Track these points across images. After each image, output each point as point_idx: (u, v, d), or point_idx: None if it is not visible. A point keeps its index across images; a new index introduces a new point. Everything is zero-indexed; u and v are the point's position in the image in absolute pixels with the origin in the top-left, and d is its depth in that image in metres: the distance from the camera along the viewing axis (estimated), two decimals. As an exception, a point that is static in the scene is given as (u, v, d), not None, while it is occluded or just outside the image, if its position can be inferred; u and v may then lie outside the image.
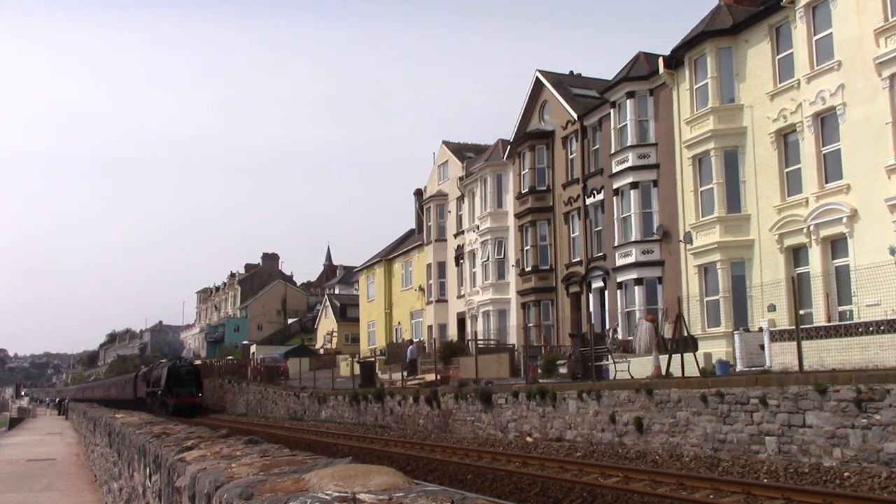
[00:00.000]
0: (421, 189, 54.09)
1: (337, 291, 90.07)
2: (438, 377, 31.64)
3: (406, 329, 53.30)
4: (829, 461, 13.54)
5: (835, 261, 23.01)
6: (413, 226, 58.81)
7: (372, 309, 60.09)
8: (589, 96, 35.97)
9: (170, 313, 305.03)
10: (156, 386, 52.76)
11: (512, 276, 39.36)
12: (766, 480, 12.86)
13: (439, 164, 50.20)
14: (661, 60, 29.67)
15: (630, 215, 31.14)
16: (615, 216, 32.00)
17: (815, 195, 23.42)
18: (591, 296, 34.04)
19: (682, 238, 28.33)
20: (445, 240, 47.41)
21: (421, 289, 50.56)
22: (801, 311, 20.11)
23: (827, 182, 23.24)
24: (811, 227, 23.37)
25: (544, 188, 37.40)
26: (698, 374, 19.42)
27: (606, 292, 32.94)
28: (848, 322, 20.02)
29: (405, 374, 34.41)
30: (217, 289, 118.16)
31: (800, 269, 23.98)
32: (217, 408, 56.19)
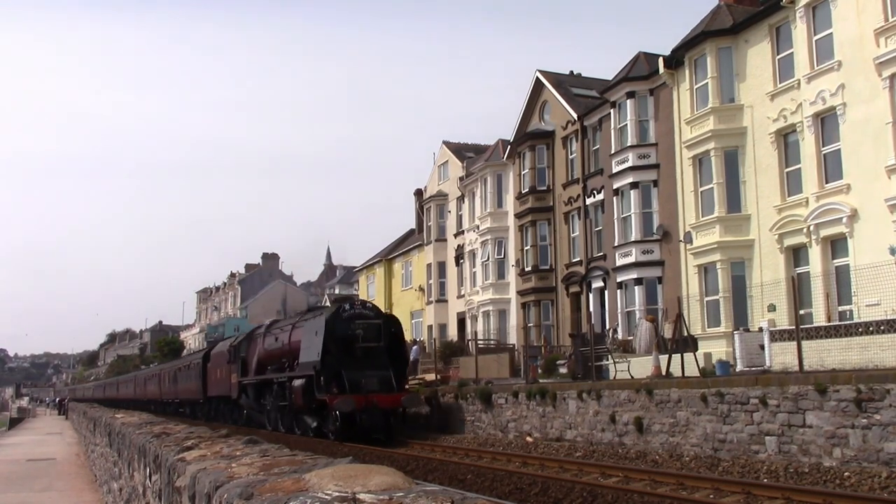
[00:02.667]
0: (421, 189, 54.06)
1: (337, 291, 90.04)
2: (438, 377, 31.63)
3: (406, 329, 53.25)
4: (829, 461, 13.54)
5: (835, 261, 23.00)
6: (413, 226, 58.78)
7: (372, 309, 60.01)
8: (589, 96, 35.96)
9: (170, 313, 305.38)
10: (281, 365, 26.30)
11: (512, 276, 39.35)
12: (766, 480, 12.86)
13: (439, 164, 50.19)
14: (661, 60, 29.66)
15: (630, 215, 31.13)
16: (615, 216, 32.00)
17: (815, 195, 23.42)
18: (591, 296, 34.03)
19: (682, 238, 28.32)
20: (445, 240, 47.41)
21: (421, 289, 50.55)
22: (801, 311, 20.10)
23: (827, 182, 23.24)
24: (811, 227, 23.37)
25: (544, 188, 37.40)
26: (698, 374, 19.41)
27: (606, 292, 32.93)
28: (848, 322, 20.02)
29: (406, 373, 34.16)
30: (217, 289, 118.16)
31: (800, 269, 23.98)
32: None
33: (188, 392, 39.86)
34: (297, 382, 23.88)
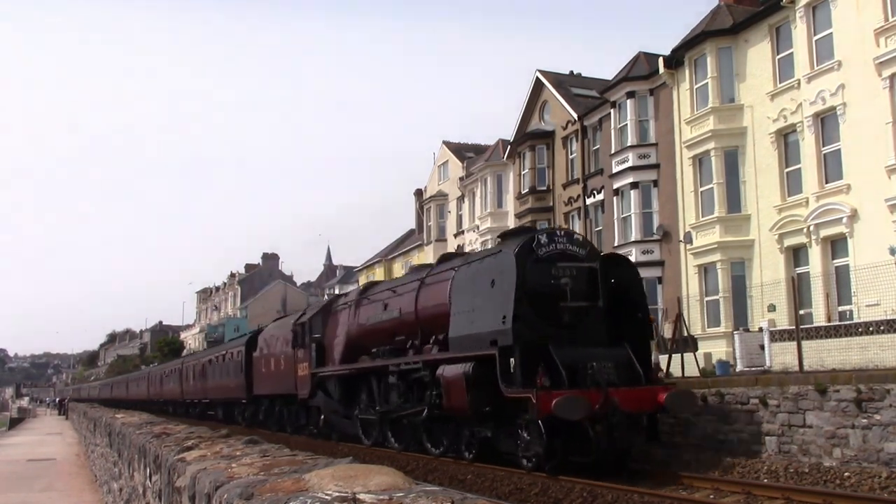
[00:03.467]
0: (421, 189, 54.10)
1: (337, 291, 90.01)
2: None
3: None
4: (829, 461, 13.53)
5: (835, 261, 23.00)
6: (413, 226, 58.81)
7: (372, 309, 59.92)
8: (589, 96, 35.99)
9: (170, 313, 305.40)
10: (398, 346, 17.85)
11: (512, 276, 39.31)
12: (766, 480, 12.85)
13: (439, 164, 50.21)
14: (661, 60, 29.67)
15: (630, 215, 31.14)
16: (615, 216, 31.99)
17: (815, 195, 23.41)
18: (591, 296, 33.96)
19: (682, 238, 28.31)
20: (445, 240, 47.41)
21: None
22: (801, 311, 20.09)
23: (827, 182, 23.24)
24: (811, 227, 23.37)
25: (544, 188, 37.41)
26: (698, 374, 19.41)
27: (606, 292, 32.88)
28: (848, 322, 20.01)
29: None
30: (217, 289, 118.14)
31: (800, 269, 23.98)
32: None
33: (223, 390, 31.53)
34: (453, 371, 14.27)
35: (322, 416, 21.90)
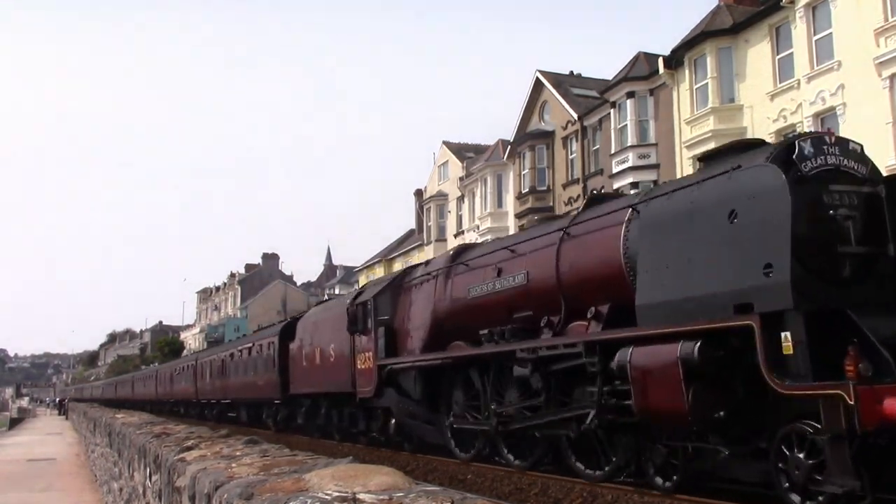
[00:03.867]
0: (421, 189, 54.13)
1: (337, 291, 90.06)
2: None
3: (406, 329, 53.15)
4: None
5: (835, 261, 23.02)
6: (413, 226, 58.83)
7: (372, 309, 59.86)
8: (589, 96, 36.03)
9: (170, 313, 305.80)
10: (519, 324, 12.03)
11: (512, 276, 39.29)
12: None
13: (439, 164, 50.23)
14: (661, 60, 29.68)
15: (630, 215, 31.11)
16: (615, 216, 31.97)
17: (815, 195, 23.42)
18: (591, 296, 33.93)
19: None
20: (445, 240, 47.42)
21: (421, 289, 50.46)
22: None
23: (827, 182, 23.24)
24: (811, 227, 23.37)
25: (544, 188, 37.44)
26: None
27: (606, 292, 32.86)
28: (848, 322, 20.02)
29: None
30: (217, 289, 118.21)
31: (800, 269, 23.97)
32: None
33: (250, 389, 26.78)
34: (657, 355, 8.82)
35: (393, 421, 16.79)
